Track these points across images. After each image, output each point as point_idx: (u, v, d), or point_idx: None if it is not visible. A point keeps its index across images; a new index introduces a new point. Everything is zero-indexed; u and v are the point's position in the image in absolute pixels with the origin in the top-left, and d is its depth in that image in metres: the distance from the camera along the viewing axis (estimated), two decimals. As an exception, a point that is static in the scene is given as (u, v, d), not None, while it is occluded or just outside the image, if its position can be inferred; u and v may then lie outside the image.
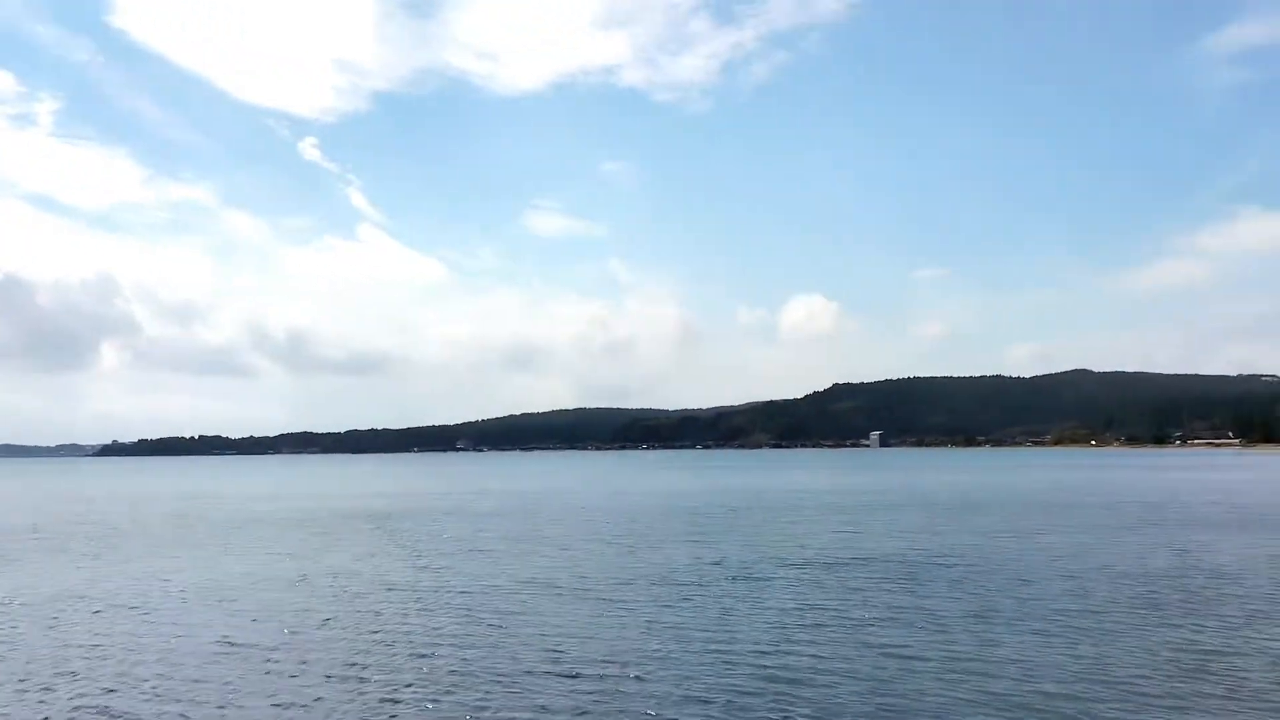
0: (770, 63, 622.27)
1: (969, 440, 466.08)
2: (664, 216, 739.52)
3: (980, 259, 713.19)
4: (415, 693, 13.81)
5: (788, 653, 15.95)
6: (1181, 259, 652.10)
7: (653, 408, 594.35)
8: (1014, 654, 15.62)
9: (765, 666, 15.04)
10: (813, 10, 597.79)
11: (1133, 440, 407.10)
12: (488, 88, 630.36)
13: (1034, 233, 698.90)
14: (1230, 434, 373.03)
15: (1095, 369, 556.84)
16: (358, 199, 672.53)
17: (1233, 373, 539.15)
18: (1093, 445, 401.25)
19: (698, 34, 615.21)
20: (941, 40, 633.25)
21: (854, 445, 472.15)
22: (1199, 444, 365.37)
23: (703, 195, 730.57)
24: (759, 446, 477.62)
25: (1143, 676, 14.13)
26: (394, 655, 16.15)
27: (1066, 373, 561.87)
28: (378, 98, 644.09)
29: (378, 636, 17.66)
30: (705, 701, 13.20)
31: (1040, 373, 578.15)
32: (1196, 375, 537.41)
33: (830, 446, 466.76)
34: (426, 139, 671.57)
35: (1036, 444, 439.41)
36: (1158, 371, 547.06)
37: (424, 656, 16.02)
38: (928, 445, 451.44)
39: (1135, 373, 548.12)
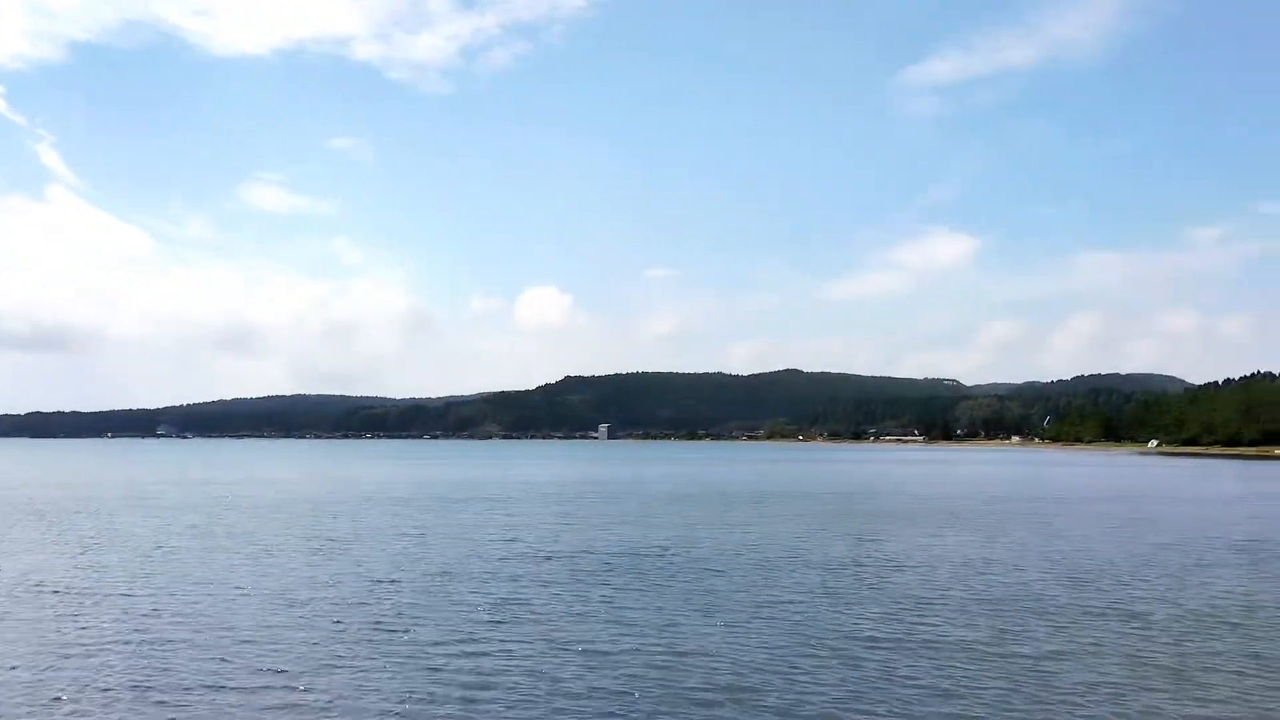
0: (511, 51, 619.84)
1: (691, 434, 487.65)
2: (397, 198, 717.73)
3: (709, 262, 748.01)
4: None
5: (469, 653, 14.92)
6: (882, 272, 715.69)
7: (379, 396, 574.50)
8: (698, 645, 15.42)
9: (439, 670, 13.90)
10: (556, 2, 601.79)
11: (834, 435, 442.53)
12: (203, 47, 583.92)
13: (759, 240, 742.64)
14: (915, 431, 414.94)
15: (805, 369, 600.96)
16: (49, 157, 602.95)
17: (920, 377, 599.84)
18: (800, 440, 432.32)
19: (438, 14, 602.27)
20: (682, 44, 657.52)
21: (583, 437, 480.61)
22: (889, 440, 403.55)
23: (439, 179, 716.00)
24: (489, 438, 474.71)
25: (820, 666, 14.29)
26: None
27: (780, 372, 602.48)
28: (76, 47, 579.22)
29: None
30: (367, 708, 11.89)
31: (757, 371, 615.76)
32: (890, 378, 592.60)
33: (560, 438, 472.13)
34: (132, 96, 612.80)
35: (752, 438, 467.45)
36: (858, 373, 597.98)
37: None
38: (654, 438, 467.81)
39: (839, 374, 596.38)
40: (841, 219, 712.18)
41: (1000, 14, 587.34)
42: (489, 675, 13.70)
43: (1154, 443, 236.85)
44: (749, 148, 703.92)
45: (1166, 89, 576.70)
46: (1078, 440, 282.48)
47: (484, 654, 14.93)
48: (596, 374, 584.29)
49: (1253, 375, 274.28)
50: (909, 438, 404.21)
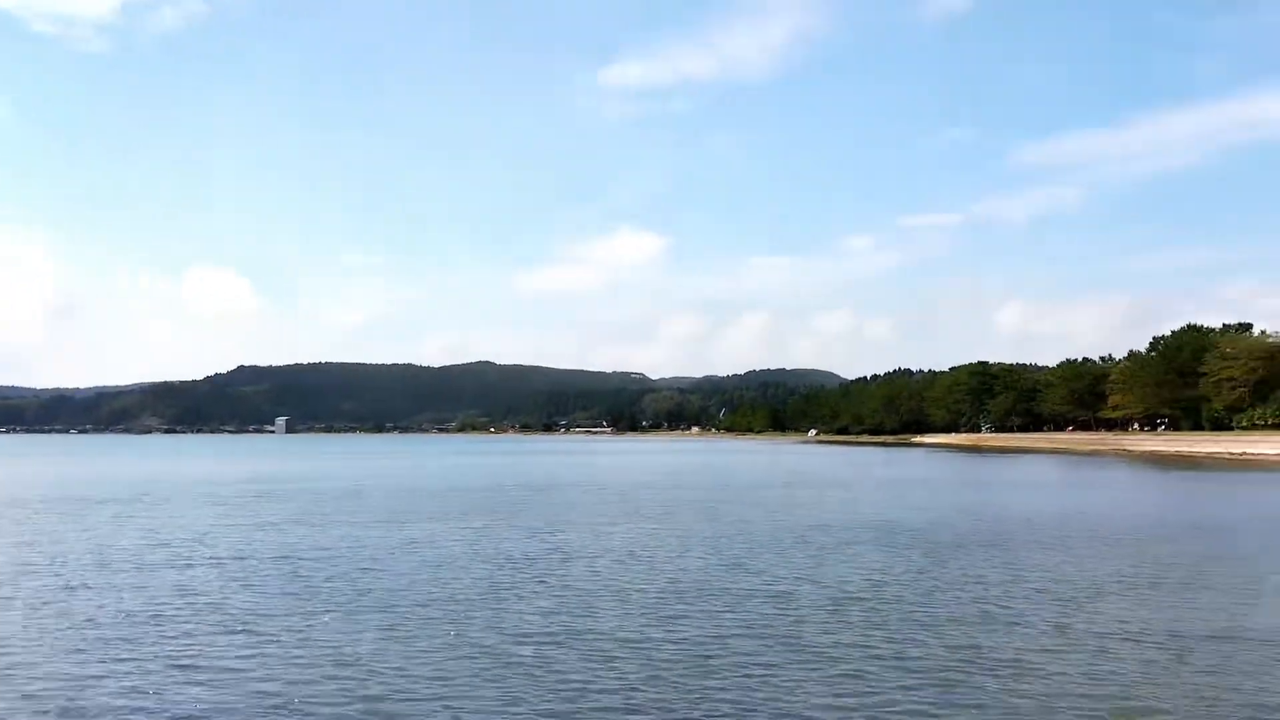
0: (182, 10, 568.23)
1: (379, 427, 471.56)
2: (37, 163, 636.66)
3: (403, 251, 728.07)
4: None
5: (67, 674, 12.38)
6: (573, 266, 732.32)
7: (16, 386, 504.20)
8: (343, 653, 13.86)
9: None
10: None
11: (526, 428, 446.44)
12: None
13: (453, 231, 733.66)
14: (605, 423, 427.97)
15: (498, 361, 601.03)
16: None
17: (610, 370, 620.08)
18: (492, 432, 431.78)
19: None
20: (382, 21, 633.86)
21: (258, 431, 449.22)
22: (580, 432, 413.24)
23: (92, 144, 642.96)
24: (148, 431, 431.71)
25: (476, 669, 13.26)
26: None
27: (472, 364, 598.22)
28: None
29: None
30: None
31: (449, 364, 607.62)
32: (581, 371, 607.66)
33: (232, 432, 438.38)
34: None
35: (442, 430, 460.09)
36: (551, 366, 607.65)
37: None
38: (337, 431, 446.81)
39: (532, 366, 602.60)
40: (534, 213, 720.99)
41: (681, 27, 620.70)
42: (81, 698, 11.41)
43: (813, 432, 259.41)
44: (446, 135, 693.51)
45: (827, 109, 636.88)
46: (749, 430, 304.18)
47: (83, 678, 12.45)
48: (275, 364, 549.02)
49: (894, 371, 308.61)
50: (598, 429, 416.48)
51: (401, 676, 12.83)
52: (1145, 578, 20.55)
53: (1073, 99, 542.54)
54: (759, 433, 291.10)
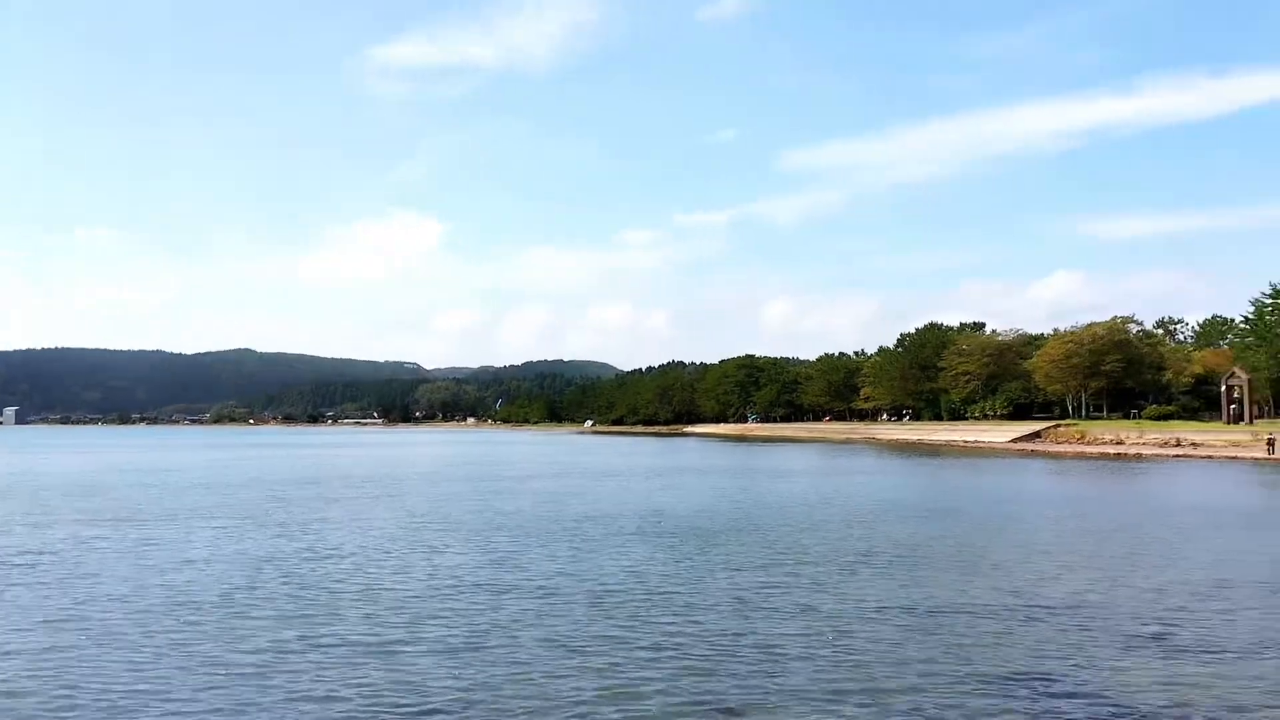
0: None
1: (124, 418, 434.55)
2: None
3: (164, 228, 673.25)
4: None
5: None
6: (345, 252, 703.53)
7: None
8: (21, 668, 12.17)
9: None
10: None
11: (290, 419, 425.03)
12: None
13: (218, 210, 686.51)
14: (376, 414, 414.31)
15: (259, 349, 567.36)
16: None
17: (383, 360, 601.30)
18: (251, 424, 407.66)
19: None
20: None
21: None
22: (348, 423, 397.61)
23: None
24: None
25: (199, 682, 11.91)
26: None
27: (231, 352, 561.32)
28: None
29: None
30: None
31: (205, 350, 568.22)
32: (351, 360, 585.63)
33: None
34: None
35: (196, 422, 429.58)
36: (318, 355, 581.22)
37: None
38: (76, 423, 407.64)
39: (297, 355, 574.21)
40: (308, 194, 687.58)
41: (465, 10, 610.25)
42: None
43: (590, 422, 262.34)
44: (212, 108, 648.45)
45: (605, 104, 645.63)
46: (526, 421, 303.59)
47: None
48: (6, 348, 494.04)
49: (669, 364, 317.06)
50: (369, 421, 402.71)
51: (112, 692, 11.43)
52: (885, 557, 21.71)
53: (838, 108, 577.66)
54: (535, 424, 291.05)
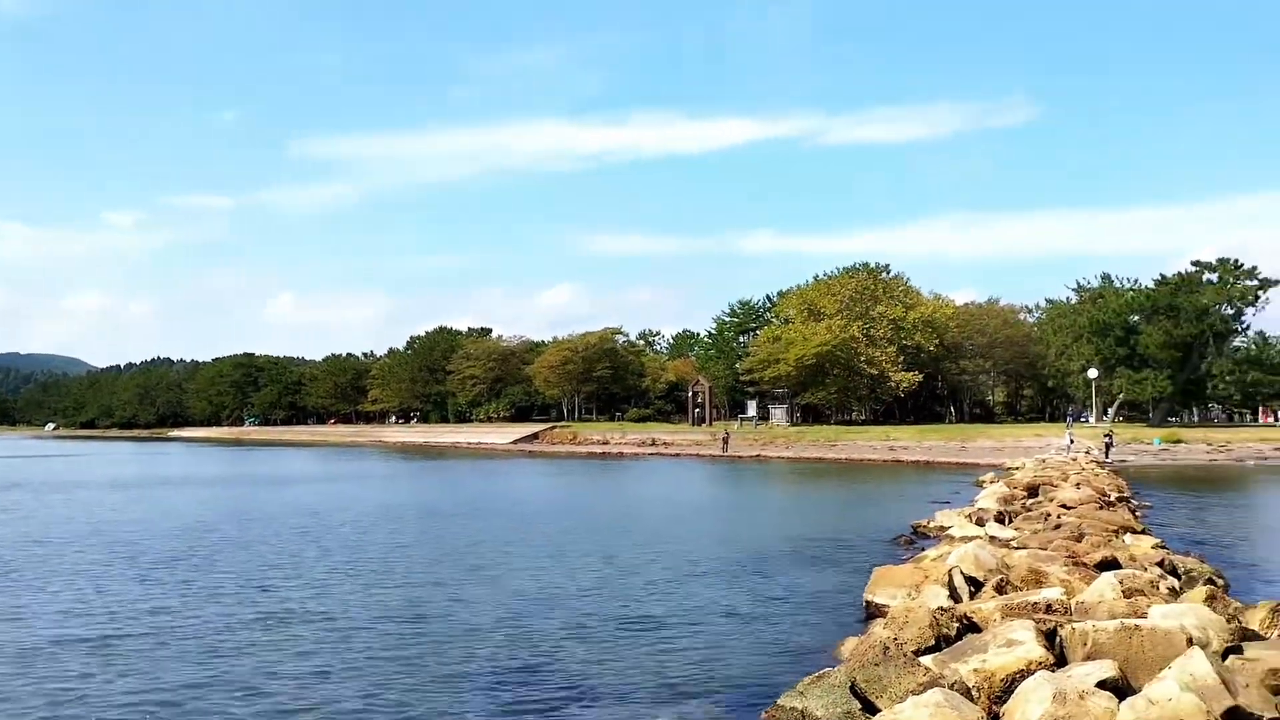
0: None
1: None
2: None
3: None
4: None
5: None
6: None
7: None
8: None
9: None
10: None
11: None
12: None
13: None
14: None
15: None
16: None
17: None
18: None
19: None
20: None
21: None
22: None
23: None
24: None
25: None
26: None
27: None
28: None
29: None
30: None
31: None
32: None
33: None
34: None
35: None
36: None
37: None
38: None
39: None
40: None
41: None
42: None
43: (51, 425, 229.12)
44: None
45: (85, 62, 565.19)
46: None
47: None
48: None
49: (153, 360, 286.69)
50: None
51: None
52: (368, 569, 20.64)
53: (358, 101, 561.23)
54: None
